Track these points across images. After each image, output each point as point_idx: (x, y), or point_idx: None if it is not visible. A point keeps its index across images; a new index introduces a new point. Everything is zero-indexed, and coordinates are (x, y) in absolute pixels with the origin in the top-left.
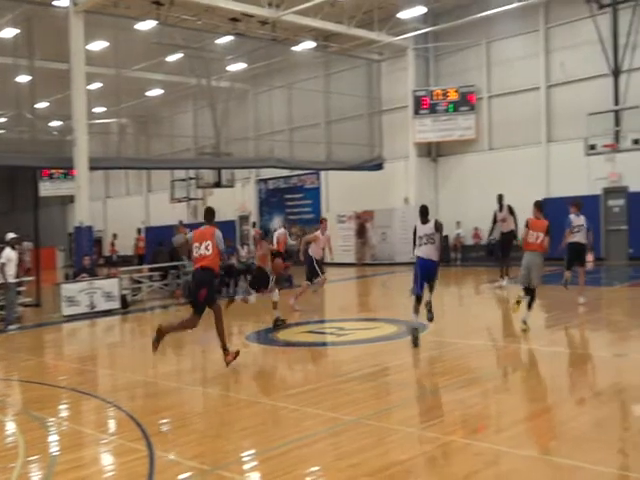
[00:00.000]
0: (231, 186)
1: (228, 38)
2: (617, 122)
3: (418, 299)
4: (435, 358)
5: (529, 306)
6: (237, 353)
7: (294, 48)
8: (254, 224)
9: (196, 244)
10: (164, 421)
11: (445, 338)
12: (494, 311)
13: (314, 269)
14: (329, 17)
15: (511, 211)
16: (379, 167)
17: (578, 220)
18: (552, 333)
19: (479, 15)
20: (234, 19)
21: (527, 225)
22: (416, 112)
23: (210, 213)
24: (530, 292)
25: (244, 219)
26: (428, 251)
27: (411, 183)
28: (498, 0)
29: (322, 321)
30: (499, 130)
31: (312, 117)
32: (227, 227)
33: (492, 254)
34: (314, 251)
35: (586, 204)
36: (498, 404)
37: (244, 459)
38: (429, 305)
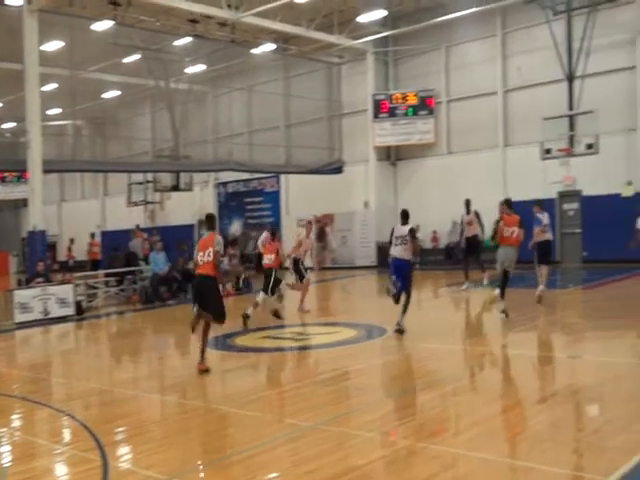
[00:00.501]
0: (189, 189)
1: (187, 39)
2: (571, 127)
3: (396, 300)
4: (395, 362)
5: (502, 295)
6: (207, 370)
7: (254, 50)
8: None
9: (200, 253)
10: (119, 430)
11: (405, 342)
12: (453, 314)
13: (300, 270)
14: (289, 20)
15: (477, 216)
16: (339, 171)
17: (545, 219)
18: (509, 335)
19: (438, 20)
20: (193, 20)
21: (500, 222)
22: (376, 116)
23: (211, 220)
24: (505, 276)
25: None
26: (401, 251)
27: (371, 187)
28: (457, 5)
29: (281, 326)
30: (458, 134)
31: (272, 120)
32: (186, 231)
33: (450, 257)
34: (297, 253)
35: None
36: (456, 407)
37: (201, 467)
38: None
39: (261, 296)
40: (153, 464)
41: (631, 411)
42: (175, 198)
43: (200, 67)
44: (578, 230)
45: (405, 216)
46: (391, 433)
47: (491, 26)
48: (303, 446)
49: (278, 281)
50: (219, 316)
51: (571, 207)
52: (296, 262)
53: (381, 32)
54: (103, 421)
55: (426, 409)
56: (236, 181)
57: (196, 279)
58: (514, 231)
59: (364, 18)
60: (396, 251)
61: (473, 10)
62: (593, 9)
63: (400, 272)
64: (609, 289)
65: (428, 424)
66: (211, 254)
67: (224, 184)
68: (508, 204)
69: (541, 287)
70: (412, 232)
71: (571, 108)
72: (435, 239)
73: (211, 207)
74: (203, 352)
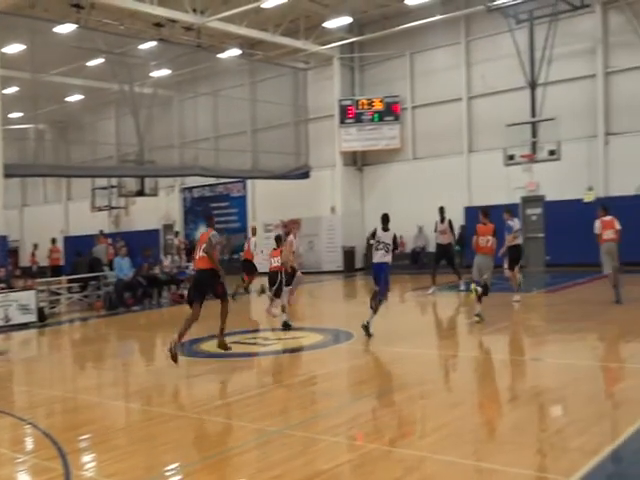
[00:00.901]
0: (155, 195)
1: (152, 44)
2: (534, 133)
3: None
4: (361, 366)
5: (479, 299)
6: (227, 347)
7: (219, 55)
8: (177, 233)
9: (198, 247)
10: (82, 438)
11: (371, 346)
12: (420, 318)
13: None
14: (255, 25)
15: (451, 225)
16: (305, 176)
17: (517, 225)
18: (472, 339)
19: (403, 26)
20: (158, 24)
21: (476, 232)
22: (342, 121)
23: (209, 219)
24: (484, 288)
25: (168, 228)
26: (382, 257)
27: (337, 192)
28: (422, 12)
29: (248, 331)
30: (423, 140)
31: (238, 125)
32: (151, 237)
33: (416, 262)
34: (292, 257)
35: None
36: (422, 410)
37: (166, 474)
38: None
39: (269, 294)
40: (116, 472)
41: (591, 413)
42: (140, 203)
43: (165, 71)
44: (541, 235)
45: (386, 220)
46: (357, 437)
47: (455, 34)
48: (269, 451)
49: (281, 283)
50: (224, 296)
51: (534, 212)
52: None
53: (347, 38)
54: (66, 429)
55: (392, 413)
56: (202, 186)
57: (195, 274)
58: (489, 240)
59: (330, 24)
60: (377, 257)
61: (437, 18)
62: (554, 18)
63: (380, 275)
64: (571, 293)
65: (394, 428)
66: (205, 249)
67: (190, 189)
68: (485, 214)
69: (517, 297)
70: (395, 241)
71: (533, 115)
72: (401, 244)
73: (177, 212)
74: (222, 330)
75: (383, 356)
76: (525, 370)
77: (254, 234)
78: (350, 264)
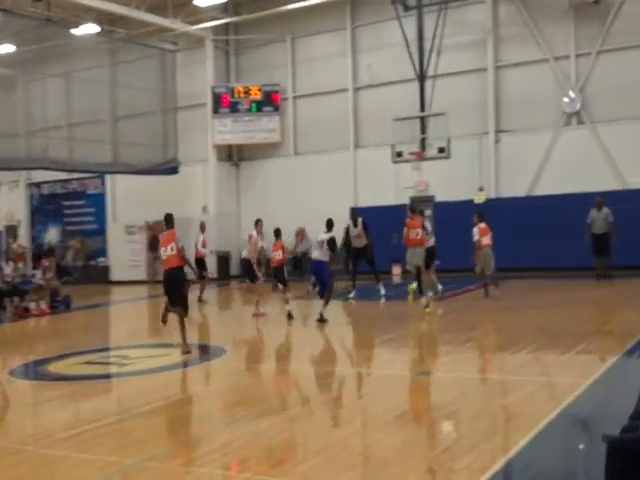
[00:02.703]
0: None
1: None
2: (423, 129)
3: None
4: (234, 385)
5: (421, 292)
6: (189, 352)
7: (74, 31)
8: (15, 237)
9: (162, 248)
10: None
11: (246, 363)
12: (299, 331)
13: (253, 271)
14: None
15: (365, 227)
16: (174, 171)
17: (429, 226)
18: (358, 353)
19: (283, 8)
20: None
21: (406, 225)
22: (215, 111)
23: (169, 219)
24: (418, 276)
25: (11, 230)
26: (318, 255)
27: (210, 190)
28: None
29: (104, 349)
30: (305, 134)
31: (96, 112)
32: None
33: (299, 268)
34: (249, 254)
35: (394, 214)
36: (301, 433)
37: None
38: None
39: (281, 287)
40: None
41: (478, 429)
42: None
43: (8, 47)
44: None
45: (330, 225)
46: (230, 466)
47: (341, 19)
48: None
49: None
50: (185, 309)
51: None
52: (249, 264)
53: (221, 18)
54: None
55: (270, 436)
56: (53, 181)
57: (165, 273)
58: (418, 232)
59: (202, 1)
60: (314, 254)
61: (320, 1)
62: (444, 7)
63: (318, 272)
64: (461, 300)
65: (272, 453)
66: (174, 248)
67: (38, 185)
68: (412, 210)
69: (430, 294)
70: (330, 243)
71: (423, 109)
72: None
73: (22, 211)
74: (184, 338)
75: (260, 374)
76: (412, 385)
77: (203, 230)
78: (224, 271)
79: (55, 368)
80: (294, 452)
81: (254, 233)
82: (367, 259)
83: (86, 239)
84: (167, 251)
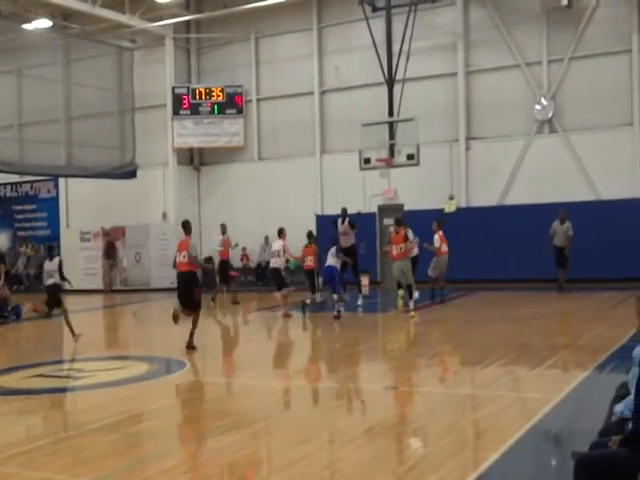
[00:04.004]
0: None
1: None
2: (392, 135)
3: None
4: (194, 400)
5: (410, 296)
6: (194, 348)
7: (25, 26)
8: None
9: (177, 253)
10: None
11: (206, 377)
12: (264, 343)
13: (282, 279)
14: None
15: (352, 225)
16: (132, 175)
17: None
18: (323, 366)
19: (248, 6)
20: None
21: (390, 241)
22: (176, 112)
23: (187, 225)
24: (408, 287)
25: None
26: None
27: (170, 195)
28: None
29: (58, 361)
30: (270, 138)
31: (49, 111)
32: None
33: (263, 278)
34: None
35: (361, 222)
36: (264, 450)
37: None
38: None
39: (315, 295)
40: None
41: (446, 445)
42: None
43: None
44: None
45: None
46: None
47: (307, 19)
48: None
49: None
50: (196, 307)
51: (392, 222)
52: (279, 273)
53: (182, 15)
54: None
55: (232, 453)
56: (3, 184)
57: (177, 275)
58: (402, 247)
59: None
60: (329, 261)
61: None
62: (413, 8)
63: (330, 276)
64: (431, 312)
65: (233, 470)
66: (186, 256)
67: None
68: (397, 223)
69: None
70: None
71: (391, 114)
72: (246, 257)
73: None
74: (192, 335)
75: (221, 388)
76: (379, 400)
77: (224, 232)
78: None
79: (5, 382)
80: (258, 468)
81: (283, 242)
82: (352, 263)
83: (38, 246)
84: (180, 257)
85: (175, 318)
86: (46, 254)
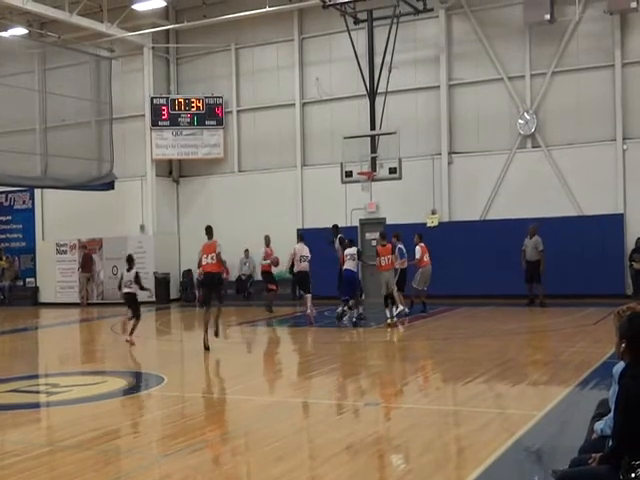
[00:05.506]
0: None
1: None
2: (374, 148)
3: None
4: (169, 417)
5: (395, 306)
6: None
7: (1, 34)
8: None
9: (204, 255)
10: None
11: (184, 392)
12: (243, 358)
13: (307, 282)
14: (47, 0)
15: (342, 243)
16: (109, 187)
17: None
18: (303, 382)
19: (228, 16)
20: None
21: (377, 253)
22: (154, 123)
23: (210, 230)
24: (391, 297)
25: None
26: (351, 265)
27: (148, 207)
28: (250, 1)
29: (32, 376)
30: (250, 150)
31: (24, 121)
32: None
33: (242, 292)
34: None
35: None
36: (244, 466)
37: None
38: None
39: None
40: None
41: (427, 462)
42: None
43: None
44: None
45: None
46: None
47: (288, 29)
48: None
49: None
50: (221, 300)
51: (374, 237)
52: (306, 275)
53: (161, 25)
54: None
55: (207, 471)
56: None
57: (207, 275)
58: (389, 258)
59: (140, 6)
60: (347, 265)
61: (267, 10)
62: (396, 21)
63: (350, 280)
64: (413, 327)
65: None
66: (214, 257)
67: None
68: (382, 236)
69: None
70: (359, 254)
71: (373, 127)
72: (225, 271)
73: None
74: (216, 331)
75: (200, 403)
76: (361, 416)
77: (268, 244)
78: (164, 294)
79: None
80: None
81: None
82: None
83: (13, 258)
84: (207, 259)
85: (207, 319)
86: (125, 266)
